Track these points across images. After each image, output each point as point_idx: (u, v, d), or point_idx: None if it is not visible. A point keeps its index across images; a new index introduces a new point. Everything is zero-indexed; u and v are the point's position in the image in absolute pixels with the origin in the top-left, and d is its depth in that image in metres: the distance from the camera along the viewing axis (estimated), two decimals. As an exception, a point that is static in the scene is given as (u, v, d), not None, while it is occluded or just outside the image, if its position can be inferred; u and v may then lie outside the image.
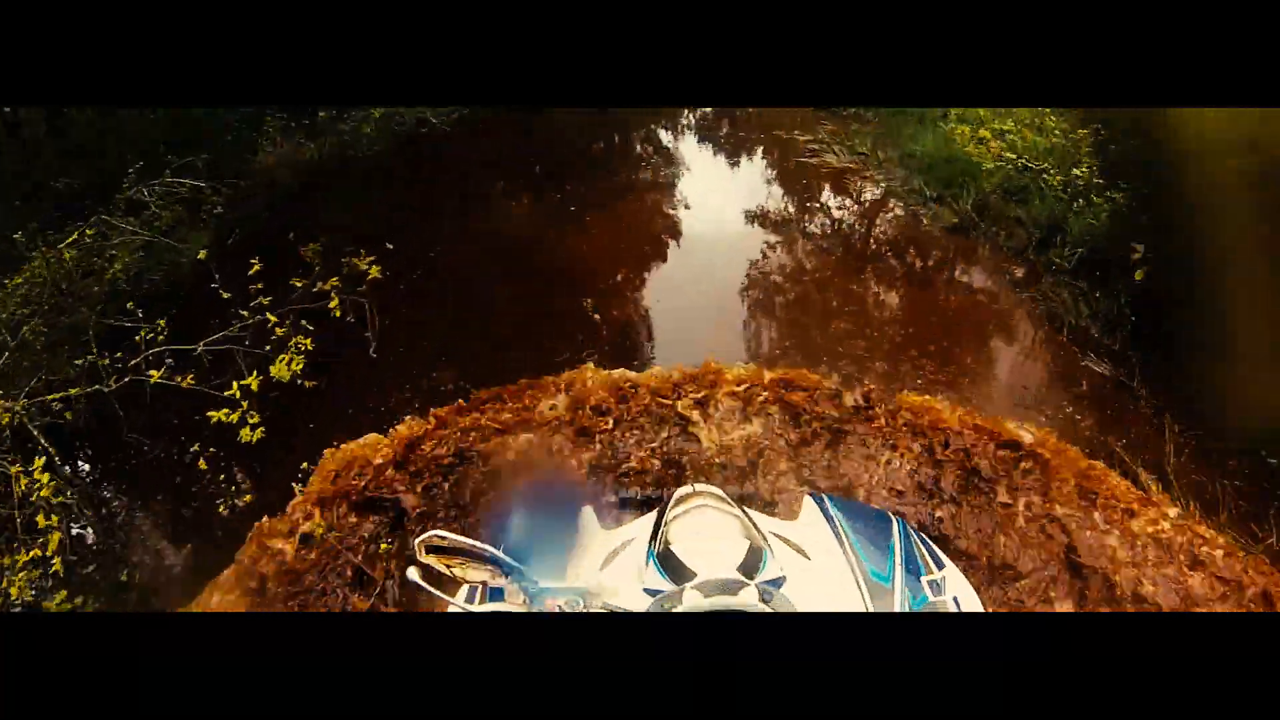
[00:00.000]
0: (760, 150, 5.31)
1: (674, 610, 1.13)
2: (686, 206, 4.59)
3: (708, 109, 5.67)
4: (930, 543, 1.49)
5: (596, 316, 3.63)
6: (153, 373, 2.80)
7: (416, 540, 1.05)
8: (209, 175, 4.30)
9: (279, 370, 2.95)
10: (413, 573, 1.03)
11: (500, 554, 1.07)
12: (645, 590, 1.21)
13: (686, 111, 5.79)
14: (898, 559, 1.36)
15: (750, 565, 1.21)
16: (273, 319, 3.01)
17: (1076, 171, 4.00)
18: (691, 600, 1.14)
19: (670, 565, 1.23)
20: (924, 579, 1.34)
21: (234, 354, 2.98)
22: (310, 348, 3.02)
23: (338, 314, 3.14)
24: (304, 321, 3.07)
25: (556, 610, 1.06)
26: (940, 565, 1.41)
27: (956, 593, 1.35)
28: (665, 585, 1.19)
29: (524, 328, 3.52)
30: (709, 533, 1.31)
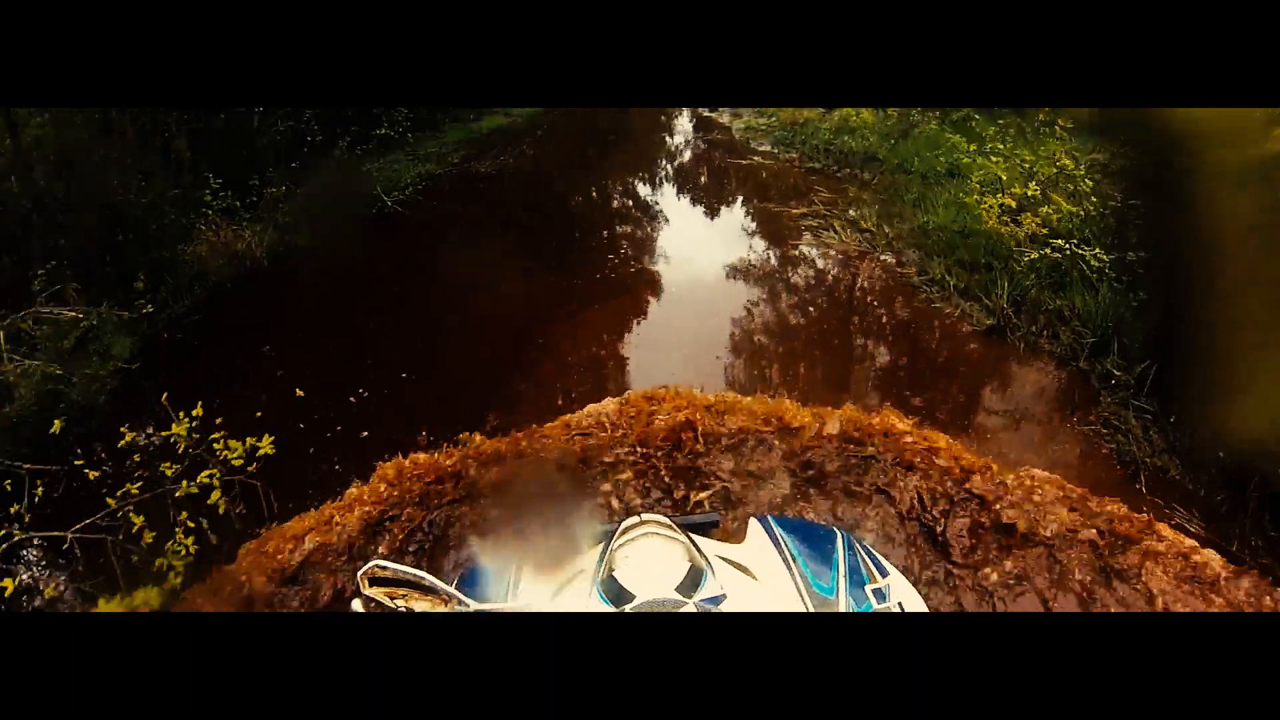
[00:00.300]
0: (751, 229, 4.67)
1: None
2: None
3: (700, 207, 5.25)
4: (874, 553, 1.55)
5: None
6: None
7: (359, 573, 1.06)
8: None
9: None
10: (356, 605, 1.05)
11: (442, 583, 1.09)
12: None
13: (675, 191, 5.36)
14: (841, 570, 1.42)
15: (688, 585, 1.25)
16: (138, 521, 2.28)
17: (1132, 256, 3.16)
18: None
19: (611, 590, 1.26)
20: (868, 587, 1.40)
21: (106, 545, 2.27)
22: (192, 552, 2.27)
23: (221, 509, 2.35)
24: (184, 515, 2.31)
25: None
26: (884, 573, 1.46)
27: (902, 598, 1.39)
28: (606, 609, 1.19)
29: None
30: (650, 558, 1.35)
